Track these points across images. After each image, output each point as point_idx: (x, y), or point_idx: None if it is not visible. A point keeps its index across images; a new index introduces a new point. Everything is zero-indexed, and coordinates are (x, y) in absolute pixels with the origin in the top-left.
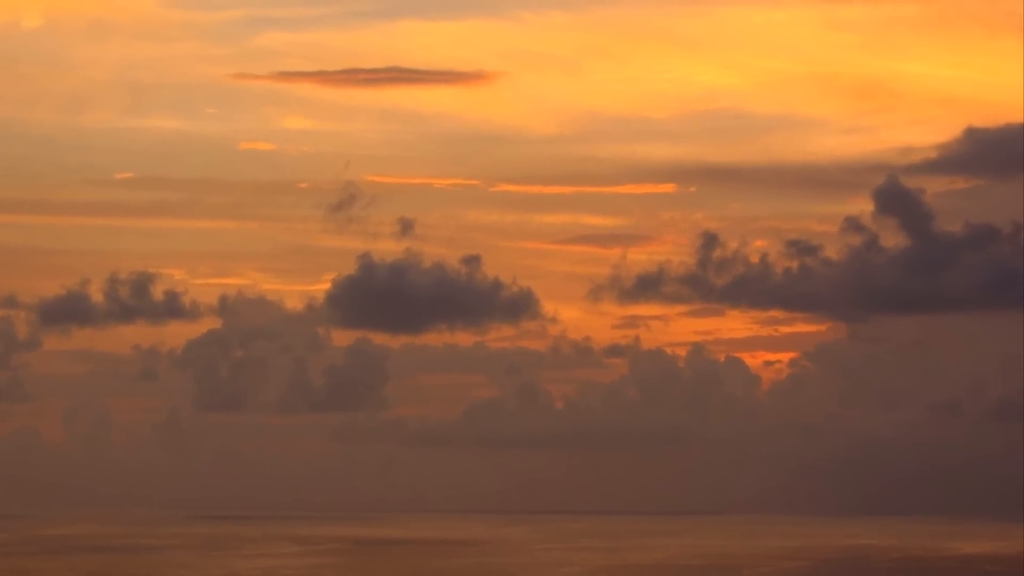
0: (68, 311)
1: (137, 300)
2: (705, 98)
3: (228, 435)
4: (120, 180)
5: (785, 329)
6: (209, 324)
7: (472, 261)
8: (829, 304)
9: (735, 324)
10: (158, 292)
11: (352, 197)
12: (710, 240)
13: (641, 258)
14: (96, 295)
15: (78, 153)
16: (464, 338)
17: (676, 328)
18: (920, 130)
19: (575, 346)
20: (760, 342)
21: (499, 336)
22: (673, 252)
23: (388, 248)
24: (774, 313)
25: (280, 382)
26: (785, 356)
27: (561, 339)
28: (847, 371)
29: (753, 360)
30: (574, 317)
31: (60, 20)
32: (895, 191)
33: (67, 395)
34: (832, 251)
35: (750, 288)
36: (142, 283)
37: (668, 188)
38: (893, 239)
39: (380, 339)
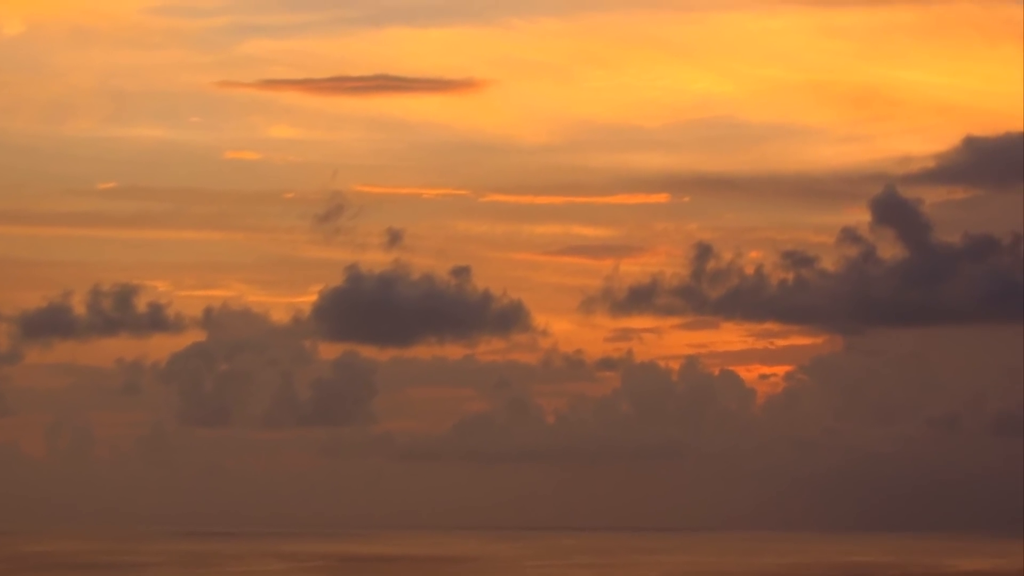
0: (50, 323)
1: (120, 312)
2: (699, 106)
3: (213, 450)
4: (103, 190)
5: (780, 342)
6: (193, 337)
7: (462, 272)
8: (825, 316)
9: (730, 337)
10: (141, 304)
11: (339, 207)
12: (704, 251)
13: (634, 269)
14: (78, 307)
15: (60, 162)
16: (453, 351)
17: (669, 341)
18: (918, 139)
19: (567, 359)
20: (755, 355)
21: (489, 349)
22: (666, 263)
23: (376, 259)
24: (769, 325)
25: (266, 396)
26: (780, 369)
27: (552, 352)
28: (844, 385)
29: (748, 373)
30: (565, 330)
31: (41, 27)
32: (893, 201)
33: (49, 409)
34: (828, 262)
35: (745, 300)
36: (125, 295)
37: (661, 198)
38: (891, 250)
39: (368, 352)
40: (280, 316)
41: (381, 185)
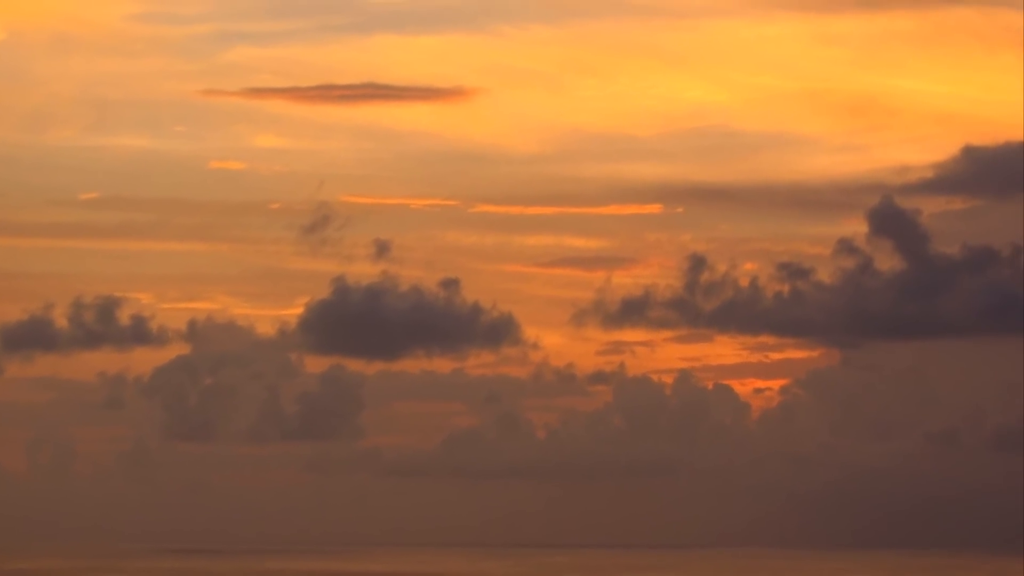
0: (30, 337)
1: (102, 325)
2: (693, 115)
3: (197, 465)
4: (85, 200)
5: (776, 355)
6: (177, 350)
7: (451, 284)
8: (821, 329)
9: (724, 350)
10: (124, 317)
11: (326, 218)
12: (698, 263)
13: (626, 281)
14: (60, 320)
15: (41, 172)
16: (442, 365)
17: (662, 354)
18: (916, 148)
19: (558, 373)
20: (750, 369)
21: (478, 363)
22: (659, 275)
23: (363, 271)
24: (764, 339)
25: (251, 410)
26: (776, 383)
27: (543, 366)
28: (840, 399)
29: (742, 387)
30: (556, 343)
31: (22, 34)
32: (890, 212)
33: (29, 424)
34: (825, 274)
35: (739, 313)
36: (108, 307)
37: (654, 209)
38: (888, 262)
39: (355, 365)
40: (265, 329)
41: (369, 195)
